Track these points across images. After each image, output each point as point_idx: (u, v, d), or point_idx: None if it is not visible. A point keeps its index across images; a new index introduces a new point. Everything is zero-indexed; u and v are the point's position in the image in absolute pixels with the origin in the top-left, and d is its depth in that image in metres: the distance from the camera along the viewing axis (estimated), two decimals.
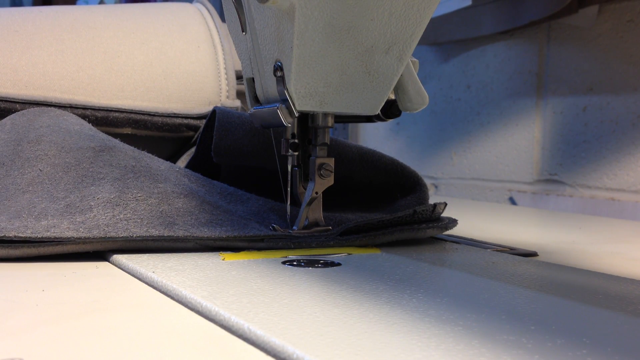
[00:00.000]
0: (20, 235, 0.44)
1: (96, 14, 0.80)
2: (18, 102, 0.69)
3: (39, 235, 0.45)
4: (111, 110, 0.73)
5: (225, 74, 0.80)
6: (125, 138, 0.68)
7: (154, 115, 0.75)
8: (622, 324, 0.32)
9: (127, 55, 0.77)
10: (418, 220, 0.53)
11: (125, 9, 0.84)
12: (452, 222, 0.55)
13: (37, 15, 0.77)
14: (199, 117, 0.78)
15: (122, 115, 0.73)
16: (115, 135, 0.65)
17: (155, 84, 0.77)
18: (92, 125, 0.64)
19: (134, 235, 0.46)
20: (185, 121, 0.77)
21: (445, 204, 0.55)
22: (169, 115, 0.76)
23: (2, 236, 0.44)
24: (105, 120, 0.73)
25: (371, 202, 0.64)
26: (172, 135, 0.78)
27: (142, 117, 0.75)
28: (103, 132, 0.62)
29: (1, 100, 0.69)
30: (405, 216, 0.52)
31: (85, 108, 0.72)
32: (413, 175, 0.63)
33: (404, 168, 0.63)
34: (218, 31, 0.83)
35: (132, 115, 0.74)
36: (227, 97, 0.80)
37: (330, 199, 0.57)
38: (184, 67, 0.79)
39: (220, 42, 0.82)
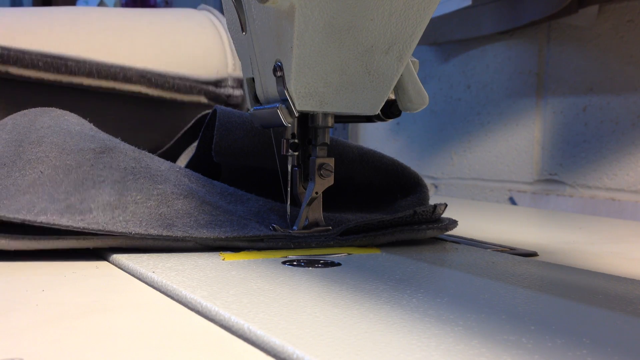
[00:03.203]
0: (19, 217, 0.45)
1: (100, 13, 0.83)
2: (33, 57, 0.71)
3: (37, 220, 0.45)
4: (125, 68, 0.75)
5: (231, 50, 0.83)
6: (137, 102, 0.71)
7: (165, 75, 0.78)
8: (622, 324, 0.32)
9: (137, 30, 0.80)
10: (418, 221, 0.53)
11: (128, 11, 0.86)
12: (452, 223, 0.55)
13: (45, 11, 0.80)
14: (208, 83, 0.80)
15: (135, 72, 0.76)
16: (128, 94, 0.67)
17: (166, 53, 0.81)
18: (108, 80, 0.66)
19: (133, 232, 0.46)
20: (195, 84, 0.79)
21: (446, 205, 0.55)
22: (179, 77, 0.79)
23: (1, 216, 0.44)
24: (119, 75, 0.75)
25: (371, 202, 0.64)
26: (183, 97, 0.80)
27: (155, 76, 0.77)
28: (117, 87, 0.63)
29: (16, 54, 0.70)
30: (406, 217, 0.52)
31: (99, 65, 0.73)
32: (413, 175, 0.62)
33: (405, 169, 0.63)
34: (220, 21, 0.86)
35: (145, 73, 0.76)
36: (234, 69, 0.82)
37: (331, 199, 0.57)
38: (191, 42, 0.83)
39: (223, 28, 0.85)
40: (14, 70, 0.71)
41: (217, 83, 0.81)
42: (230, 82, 0.82)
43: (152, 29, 0.81)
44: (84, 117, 0.59)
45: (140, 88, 0.76)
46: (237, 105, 0.85)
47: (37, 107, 0.58)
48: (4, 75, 0.71)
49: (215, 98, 0.82)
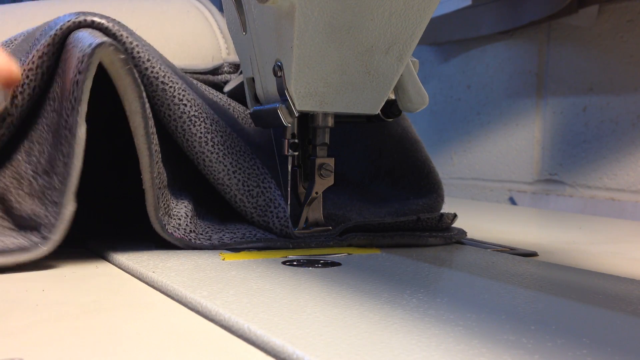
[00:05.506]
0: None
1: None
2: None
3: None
4: None
5: (221, 32, 0.81)
6: None
7: None
8: (622, 324, 0.32)
9: (124, 20, 0.78)
10: (421, 228, 0.52)
11: (106, 2, 0.85)
12: (461, 234, 0.54)
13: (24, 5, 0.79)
14: (206, 72, 0.78)
15: None
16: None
17: (157, 46, 0.79)
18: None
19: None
20: (195, 76, 0.78)
21: (455, 215, 0.54)
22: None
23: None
24: None
25: (385, 193, 0.62)
26: None
27: None
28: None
29: None
30: (408, 222, 0.52)
31: None
32: (436, 181, 0.60)
33: (431, 171, 0.60)
34: (202, 3, 0.85)
35: None
36: (228, 53, 0.81)
37: (350, 168, 0.56)
38: (180, 29, 0.80)
39: (206, 8, 0.84)
40: None
41: (214, 71, 0.79)
42: (226, 68, 0.80)
43: (137, 21, 0.79)
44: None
45: None
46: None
47: None
48: None
49: (213, 86, 0.80)
